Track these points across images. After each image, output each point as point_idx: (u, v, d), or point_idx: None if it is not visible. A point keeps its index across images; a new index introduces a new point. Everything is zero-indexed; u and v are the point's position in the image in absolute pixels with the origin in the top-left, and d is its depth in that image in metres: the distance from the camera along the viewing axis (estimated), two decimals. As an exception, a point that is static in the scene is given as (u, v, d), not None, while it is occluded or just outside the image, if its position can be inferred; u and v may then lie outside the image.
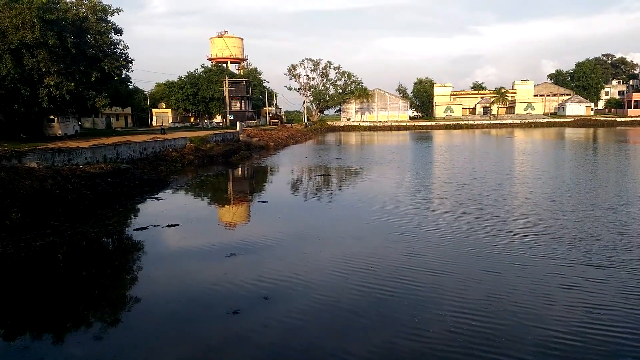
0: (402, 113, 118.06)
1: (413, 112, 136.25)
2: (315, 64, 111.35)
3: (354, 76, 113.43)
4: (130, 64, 37.34)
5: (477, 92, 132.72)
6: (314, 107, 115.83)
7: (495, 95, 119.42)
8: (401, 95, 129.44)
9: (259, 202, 21.79)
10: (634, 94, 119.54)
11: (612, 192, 20.56)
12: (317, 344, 7.81)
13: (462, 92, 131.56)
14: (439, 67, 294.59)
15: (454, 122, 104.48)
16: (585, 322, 8.10)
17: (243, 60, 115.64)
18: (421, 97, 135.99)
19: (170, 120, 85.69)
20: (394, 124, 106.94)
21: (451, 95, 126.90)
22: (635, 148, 46.32)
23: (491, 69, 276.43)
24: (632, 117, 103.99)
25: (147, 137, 37.87)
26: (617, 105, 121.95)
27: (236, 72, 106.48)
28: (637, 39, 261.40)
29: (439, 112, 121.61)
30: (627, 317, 8.29)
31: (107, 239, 15.09)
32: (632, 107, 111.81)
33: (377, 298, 9.43)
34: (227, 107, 77.68)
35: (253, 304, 9.31)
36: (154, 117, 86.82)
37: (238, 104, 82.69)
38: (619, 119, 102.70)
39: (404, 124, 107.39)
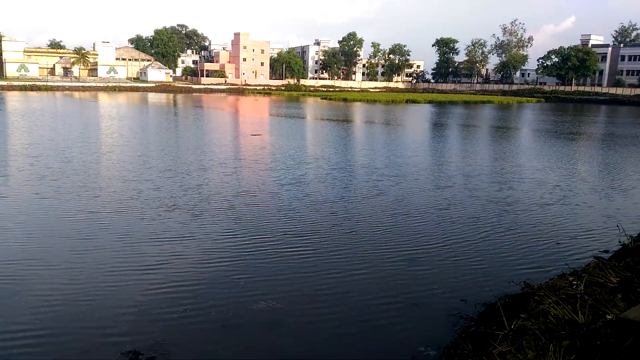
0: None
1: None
2: None
3: None
4: None
5: (55, 50, 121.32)
6: None
7: (75, 55, 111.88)
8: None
9: None
10: (205, 64, 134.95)
11: (193, 158, 22.33)
12: None
13: (39, 50, 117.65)
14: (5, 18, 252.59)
15: (31, 83, 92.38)
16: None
17: None
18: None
19: None
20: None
21: (25, 52, 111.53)
22: (209, 113, 52.39)
23: (69, 26, 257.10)
24: (205, 84, 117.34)
25: None
26: (193, 73, 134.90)
27: None
28: (207, 11, 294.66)
29: (11, 70, 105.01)
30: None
31: None
32: (205, 75, 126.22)
33: None
34: None
35: None
36: None
37: None
38: (194, 86, 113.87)
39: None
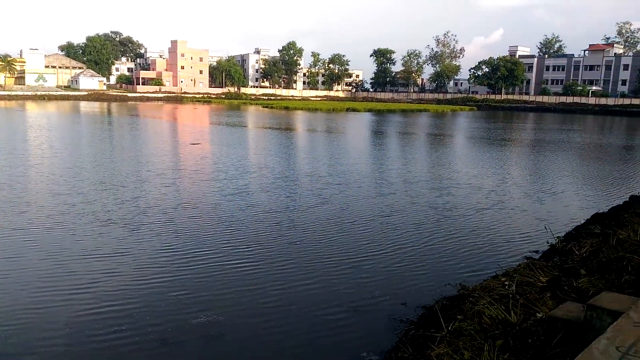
0: None
1: None
2: None
3: None
4: None
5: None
6: None
7: (0, 63, 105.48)
8: None
9: None
10: (141, 71, 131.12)
11: (129, 169, 21.54)
12: None
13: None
14: None
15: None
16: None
17: None
18: None
19: None
20: None
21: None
22: (146, 121, 50.85)
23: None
24: (140, 93, 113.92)
25: None
26: (128, 81, 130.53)
27: None
28: (143, 18, 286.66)
29: None
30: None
31: None
32: (141, 83, 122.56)
33: None
34: None
35: None
36: None
37: None
38: (129, 95, 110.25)
39: None
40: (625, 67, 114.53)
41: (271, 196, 16.43)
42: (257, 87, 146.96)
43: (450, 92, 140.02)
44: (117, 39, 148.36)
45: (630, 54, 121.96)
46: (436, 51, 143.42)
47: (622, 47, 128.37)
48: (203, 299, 8.37)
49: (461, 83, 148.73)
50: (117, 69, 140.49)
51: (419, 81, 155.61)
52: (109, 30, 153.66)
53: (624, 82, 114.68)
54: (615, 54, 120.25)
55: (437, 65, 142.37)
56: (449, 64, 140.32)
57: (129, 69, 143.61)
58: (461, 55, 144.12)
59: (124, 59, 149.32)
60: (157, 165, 22.17)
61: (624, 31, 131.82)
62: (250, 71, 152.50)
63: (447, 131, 50.93)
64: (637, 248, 7.62)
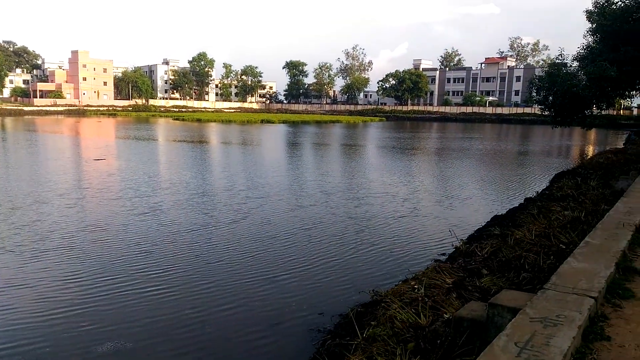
0: None
1: None
2: None
3: None
4: None
5: None
6: None
7: None
8: None
9: None
10: (38, 84, 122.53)
11: (26, 189, 19.90)
12: None
13: None
14: None
15: None
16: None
17: None
18: None
19: None
20: None
21: None
22: (45, 137, 47.37)
23: None
24: (38, 106, 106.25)
25: None
26: (24, 94, 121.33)
27: None
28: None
29: None
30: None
31: None
32: (38, 96, 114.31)
33: None
34: None
35: None
36: None
37: None
38: (26, 108, 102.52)
39: None
40: (518, 78, 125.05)
41: (187, 213, 15.89)
42: (166, 98, 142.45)
43: (361, 104, 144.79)
44: (11, 49, 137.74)
45: (522, 66, 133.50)
46: (346, 64, 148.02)
47: (515, 60, 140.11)
48: (111, 327, 7.88)
49: (370, 95, 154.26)
50: (11, 81, 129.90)
51: (331, 93, 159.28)
52: (0, 39, 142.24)
53: (516, 93, 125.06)
54: (508, 66, 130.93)
55: (348, 78, 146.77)
56: (359, 76, 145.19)
57: (25, 81, 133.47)
58: (370, 68, 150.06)
59: (18, 70, 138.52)
60: (58, 185, 20.69)
61: (515, 45, 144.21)
62: (159, 82, 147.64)
63: (361, 141, 52.46)
64: (532, 247, 8.28)
